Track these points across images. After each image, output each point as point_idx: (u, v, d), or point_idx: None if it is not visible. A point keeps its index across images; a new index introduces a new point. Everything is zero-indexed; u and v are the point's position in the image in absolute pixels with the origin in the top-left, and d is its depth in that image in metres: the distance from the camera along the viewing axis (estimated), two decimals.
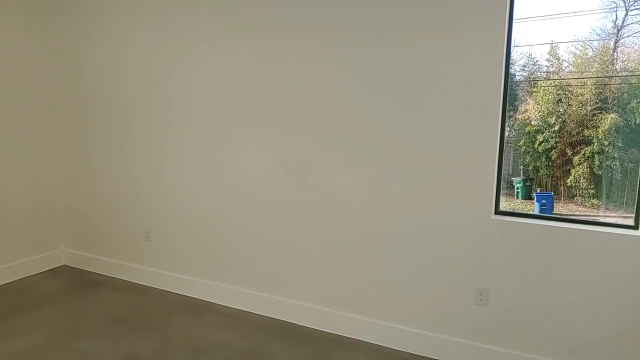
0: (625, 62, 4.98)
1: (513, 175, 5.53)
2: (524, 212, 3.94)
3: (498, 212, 2.75)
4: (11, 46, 3.82)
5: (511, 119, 5.58)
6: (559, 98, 5.26)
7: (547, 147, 5.26)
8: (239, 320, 3.40)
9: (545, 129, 5.29)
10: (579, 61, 5.23)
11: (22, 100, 3.94)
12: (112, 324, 3.30)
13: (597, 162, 4.82)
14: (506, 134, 2.77)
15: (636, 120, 4.53)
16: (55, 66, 4.11)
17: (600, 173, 4.86)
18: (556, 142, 5.20)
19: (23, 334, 3.14)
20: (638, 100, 4.61)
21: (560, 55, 5.43)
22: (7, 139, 3.86)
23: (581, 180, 4.99)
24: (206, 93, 3.47)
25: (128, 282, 4.02)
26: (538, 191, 5.38)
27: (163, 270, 3.88)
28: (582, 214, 4.98)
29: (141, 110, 3.77)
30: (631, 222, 2.53)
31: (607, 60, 4.96)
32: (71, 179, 4.24)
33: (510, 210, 3.55)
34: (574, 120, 5.06)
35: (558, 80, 5.50)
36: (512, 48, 2.71)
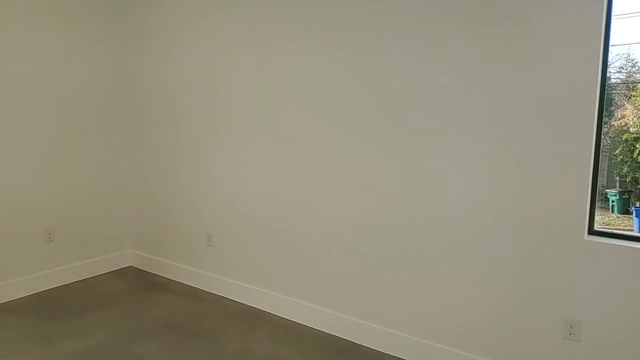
0: None
1: (608, 187, 4.95)
2: (623, 230, 3.44)
3: (592, 232, 2.36)
4: (80, 47, 3.93)
5: (606, 125, 5.01)
6: None
7: None
8: (295, 333, 3.23)
9: None
10: None
11: (94, 102, 4.05)
12: (168, 329, 3.26)
13: None
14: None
15: None
16: (123, 70, 4.20)
17: None
18: None
19: (84, 333, 3.17)
20: None
21: None
22: (81, 142, 3.99)
23: None
24: (271, 96, 3.34)
25: (189, 286, 4.00)
26: (637, 205, 4.79)
27: (223, 276, 3.80)
28: None
29: (206, 114, 3.73)
30: None
31: None
32: (139, 181, 4.31)
33: (605, 225, 3.10)
34: None
35: None
36: (609, 46, 2.32)
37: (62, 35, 3.77)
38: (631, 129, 5.03)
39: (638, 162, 4.87)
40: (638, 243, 2.26)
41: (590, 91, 2.24)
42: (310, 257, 3.29)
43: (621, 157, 4.95)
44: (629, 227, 4.74)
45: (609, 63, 2.35)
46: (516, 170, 2.46)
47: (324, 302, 3.25)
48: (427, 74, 2.67)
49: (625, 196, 4.92)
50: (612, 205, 4.93)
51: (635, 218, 4.68)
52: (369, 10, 2.82)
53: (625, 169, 4.91)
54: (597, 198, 2.38)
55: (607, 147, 4.98)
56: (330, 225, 3.16)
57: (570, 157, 2.31)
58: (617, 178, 5.05)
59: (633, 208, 4.83)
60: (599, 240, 2.30)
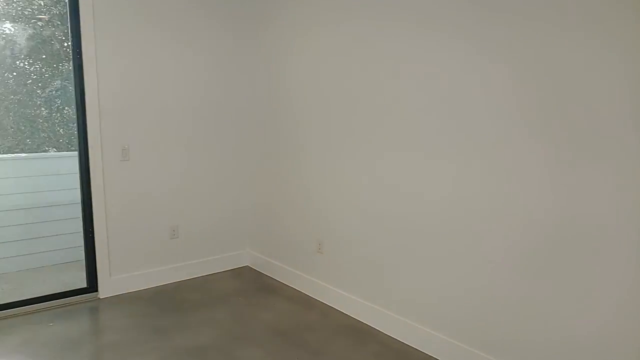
0: None
1: None
2: None
3: None
4: (209, 52, 4.08)
5: None
6: None
7: None
8: (403, 356, 2.93)
9: None
10: None
11: (221, 104, 4.19)
12: (274, 335, 3.18)
13: None
14: None
15: None
16: (249, 73, 4.27)
17: None
18: None
19: (194, 331, 3.23)
20: None
21: None
22: (207, 144, 4.14)
23: None
24: (388, 101, 3.10)
25: (299, 293, 3.91)
26: None
27: (332, 285, 3.64)
28: None
29: (320, 120, 3.61)
30: None
31: None
32: (259, 183, 4.35)
33: None
34: None
35: None
36: None
37: (199, 47, 3.96)
38: None
39: None
40: None
41: None
42: (427, 275, 2.96)
43: None
44: None
45: None
46: None
47: (440, 326, 2.90)
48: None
49: None
50: None
51: None
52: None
53: None
54: None
55: None
56: (452, 242, 2.81)
57: None
58: None
59: None
60: None
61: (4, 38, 4.86)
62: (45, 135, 4.98)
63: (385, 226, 3.19)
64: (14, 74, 4.94)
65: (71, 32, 3.45)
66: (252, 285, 4.09)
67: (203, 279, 4.18)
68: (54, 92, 4.79)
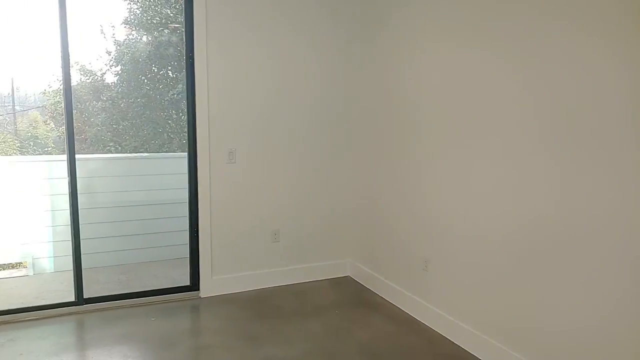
0: None
1: None
2: None
3: None
4: (315, 55, 3.96)
5: None
6: None
7: None
8: None
9: None
10: None
11: (329, 109, 4.05)
12: (369, 357, 2.92)
13: None
14: None
15: None
16: (354, 75, 4.07)
17: None
18: None
19: (286, 341, 3.09)
20: None
21: None
22: (313, 148, 4.03)
23: None
24: (502, 110, 2.68)
25: (401, 312, 3.58)
26: None
27: (439, 308, 3.26)
28: None
29: (433, 132, 3.26)
30: None
31: None
32: (363, 190, 4.11)
33: None
34: None
35: None
36: None
37: (310, 49, 3.89)
38: None
39: None
40: None
41: None
42: (559, 306, 2.47)
43: None
44: None
45: None
46: None
47: None
48: None
49: None
50: None
51: None
52: None
53: None
54: None
55: None
56: (564, 267, 2.30)
57: None
58: None
59: None
60: None
61: (136, 44, 5.27)
62: (167, 136, 5.30)
63: (501, 246, 2.75)
64: (148, 76, 5.33)
65: (185, 38, 3.56)
66: (351, 298, 3.86)
67: (301, 286, 4.05)
68: (175, 95, 5.07)
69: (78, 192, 3.37)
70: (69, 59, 3.27)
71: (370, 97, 3.97)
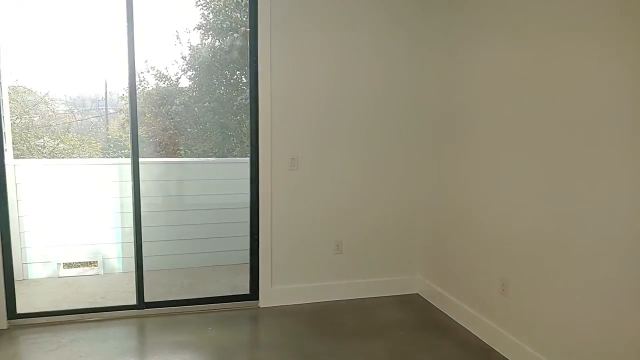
0: None
1: None
2: None
3: None
4: (384, 58, 3.71)
5: None
6: None
7: None
8: None
9: None
10: None
11: (398, 116, 3.78)
12: None
13: None
14: None
15: None
16: (424, 81, 3.76)
17: None
18: None
19: None
20: None
21: None
22: (379, 156, 3.78)
23: None
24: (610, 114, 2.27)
25: (474, 338, 3.22)
26: None
27: (515, 337, 2.88)
28: None
29: (512, 135, 2.90)
30: None
31: None
32: (433, 201, 3.79)
33: None
34: None
35: None
36: None
37: (380, 50, 3.66)
38: None
39: None
40: None
41: None
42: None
43: None
44: None
45: None
46: None
47: None
48: None
49: None
50: None
51: None
52: None
53: None
54: None
55: None
56: None
57: None
58: None
59: None
60: None
61: (208, 49, 5.32)
62: (236, 141, 5.29)
63: (605, 269, 2.34)
64: (221, 80, 5.36)
65: (250, 41, 3.47)
66: (418, 318, 3.55)
67: (365, 302, 3.80)
68: (244, 100, 5.04)
69: (141, 194, 3.38)
70: (135, 66, 3.29)
71: (442, 99, 3.64)
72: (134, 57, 3.26)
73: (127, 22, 3.21)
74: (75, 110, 7.05)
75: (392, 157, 3.82)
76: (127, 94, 5.74)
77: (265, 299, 3.65)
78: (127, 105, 5.89)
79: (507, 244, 2.97)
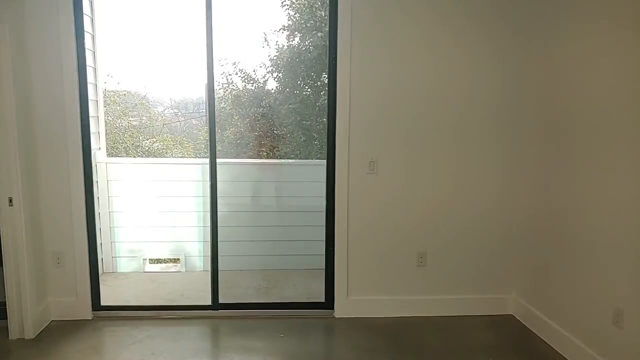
0: None
1: None
2: None
3: None
4: (475, 55, 3.35)
5: None
6: None
7: None
8: None
9: None
10: None
11: (480, 116, 3.40)
12: None
13: None
14: None
15: None
16: (522, 81, 3.32)
17: None
18: None
19: None
20: None
21: None
22: (469, 160, 3.43)
23: None
24: None
25: None
26: None
27: None
28: None
29: (627, 142, 2.42)
30: None
31: None
32: (540, 216, 3.32)
33: None
34: None
35: None
36: None
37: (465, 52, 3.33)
38: None
39: None
40: None
41: None
42: None
43: None
44: None
45: None
46: None
47: None
48: None
49: None
50: None
51: None
52: None
53: None
54: None
55: None
56: None
57: None
58: None
59: None
60: None
61: (294, 49, 5.26)
62: (318, 143, 5.17)
63: None
64: (307, 81, 5.28)
65: (329, 40, 3.32)
66: (512, 342, 3.15)
67: (450, 320, 3.45)
68: (325, 101, 4.92)
69: (218, 195, 3.38)
70: (213, 71, 3.36)
71: (542, 100, 3.19)
72: (212, 62, 3.34)
73: (207, 28, 3.28)
74: (179, 113, 7.41)
75: (483, 161, 3.44)
76: (216, 96, 5.88)
77: (341, 309, 3.45)
78: (216, 107, 6.02)
79: (623, 266, 2.49)
